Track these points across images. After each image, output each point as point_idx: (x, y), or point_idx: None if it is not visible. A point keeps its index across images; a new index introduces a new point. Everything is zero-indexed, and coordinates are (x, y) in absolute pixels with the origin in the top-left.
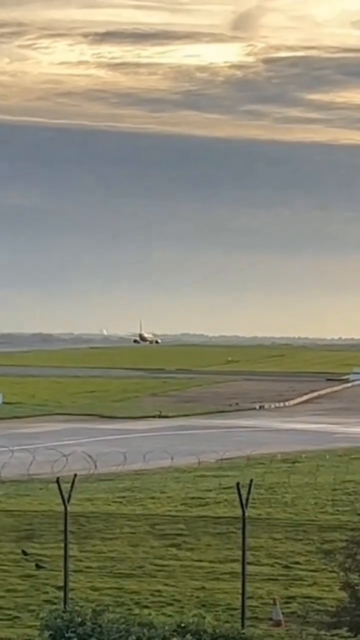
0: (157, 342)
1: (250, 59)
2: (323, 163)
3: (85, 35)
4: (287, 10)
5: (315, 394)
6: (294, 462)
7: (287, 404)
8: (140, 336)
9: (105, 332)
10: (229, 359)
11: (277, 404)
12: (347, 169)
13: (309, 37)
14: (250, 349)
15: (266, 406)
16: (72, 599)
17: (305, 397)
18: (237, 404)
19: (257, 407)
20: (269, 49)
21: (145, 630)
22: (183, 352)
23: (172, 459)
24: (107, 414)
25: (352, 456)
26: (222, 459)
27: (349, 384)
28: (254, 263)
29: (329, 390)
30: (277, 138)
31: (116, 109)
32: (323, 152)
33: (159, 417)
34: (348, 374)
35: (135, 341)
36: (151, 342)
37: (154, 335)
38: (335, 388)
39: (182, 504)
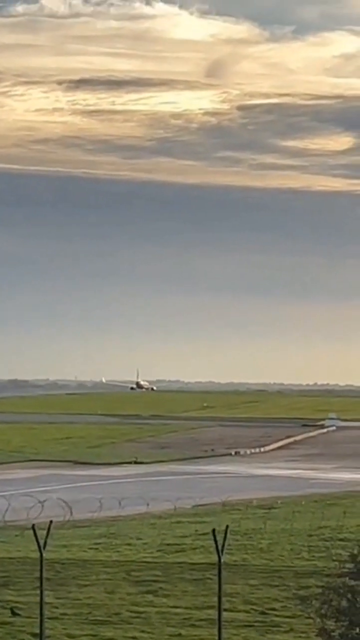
0: (152, 389)
1: (225, 106)
2: (298, 209)
3: (60, 82)
4: (261, 58)
5: (291, 439)
6: (270, 508)
7: (262, 449)
8: (137, 384)
9: (104, 380)
10: (205, 404)
11: (252, 450)
12: (322, 215)
13: (283, 85)
14: (226, 395)
15: (242, 452)
16: None
17: (281, 443)
18: (212, 449)
19: (233, 453)
20: (244, 96)
21: None
22: (159, 398)
23: (148, 505)
24: (83, 460)
25: (328, 502)
26: (198, 505)
27: (325, 430)
28: (228, 309)
29: (304, 436)
30: (251, 184)
31: (91, 156)
32: (298, 199)
33: (135, 463)
34: (324, 419)
35: (132, 388)
36: (147, 389)
37: (150, 383)
38: (311, 434)
39: (158, 551)
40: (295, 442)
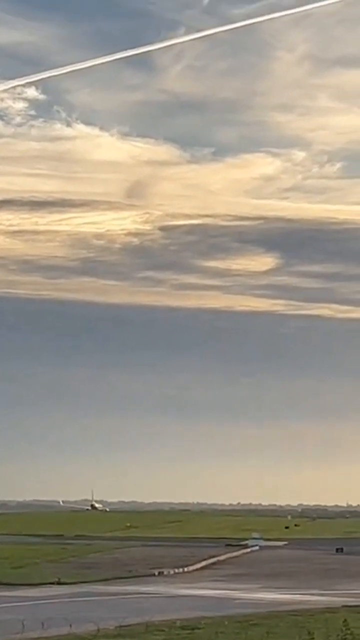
0: (106, 510)
1: (147, 227)
2: (220, 329)
3: None
4: (181, 179)
5: (215, 559)
6: (193, 629)
7: (186, 569)
8: (92, 505)
9: (61, 503)
10: (128, 524)
11: (176, 570)
12: (245, 335)
13: (204, 205)
14: (149, 515)
15: (165, 572)
16: None
17: (204, 563)
18: (136, 570)
19: (156, 573)
20: (165, 217)
21: None
22: (82, 517)
23: (70, 626)
24: (5, 581)
25: (252, 622)
26: (121, 626)
27: (248, 550)
28: (150, 428)
29: (228, 555)
30: (174, 304)
31: (14, 276)
32: (220, 319)
33: (58, 583)
34: (247, 539)
35: (87, 509)
36: (101, 510)
37: (103, 505)
38: (235, 554)
39: None
40: (219, 562)
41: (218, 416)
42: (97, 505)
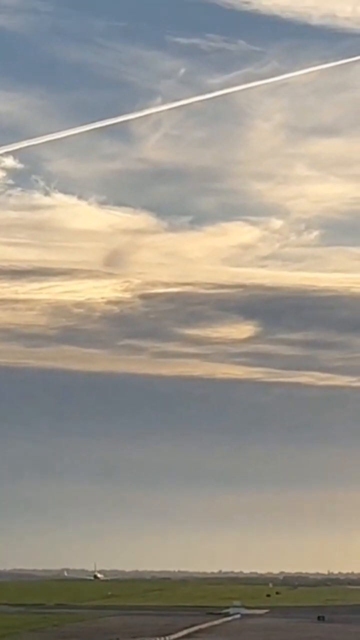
0: (107, 580)
1: (127, 295)
2: (200, 396)
3: None
4: (159, 247)
5: (196, 627)
6: None
7: (167, 638)
8: (95, 575)
9: (65, 574)
10: (109, 593)
11: (157, 639)
12: (224, 402)
13: (182, 274)
14: (131, 583)
15: None
16: None
17: (186, 632)
18: (117, 638)
19: None
20: (145, 285)
21: None
22: (64, 587)
23: None
24: None
25: None
26: None
27: (229, 618)
28: (129, 497)
29: (210, 624)
30: (154, 372)
31: None
32: (199, 386)
33: None
34: (228, 607)
35: (91, 579)
36: (102, 580)
37: (105, 575)
38: (216, 622)
39: None
40: (200, 631)
41: (198, 484)
42: (99, 575)
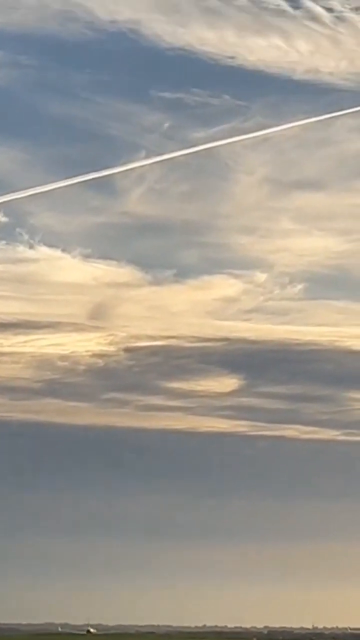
0: (98, 635)
1: (112, 348)
2: (184, 450)
3: None
4: (144, 301)
5: None
6: None
7: None
8: (88, 630)
9: (60, 629)
10: None
11: None
12: (208, 456)
13: (167, 327)
14: (114, 637)
15: None
16: None
17: None
18: None
19: None
20: (130, 338)
21: None
22: None
23: None
24: None
25: None
26: None
27: None
28: (113, 549)
29: None
30: (138, 425)
31: None
32: (183, 440)
33: None
34: None
35: (84, 634)
36: (95, 634)
37: (97, 630)
38: None
39: None
40: None
41: (181, 538)
42: (92, 630)
